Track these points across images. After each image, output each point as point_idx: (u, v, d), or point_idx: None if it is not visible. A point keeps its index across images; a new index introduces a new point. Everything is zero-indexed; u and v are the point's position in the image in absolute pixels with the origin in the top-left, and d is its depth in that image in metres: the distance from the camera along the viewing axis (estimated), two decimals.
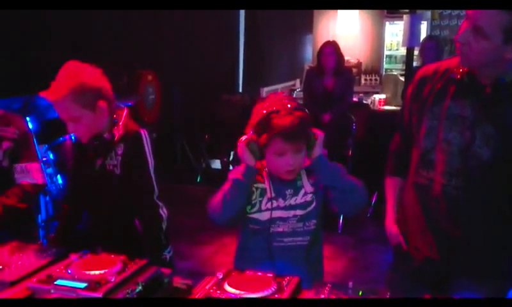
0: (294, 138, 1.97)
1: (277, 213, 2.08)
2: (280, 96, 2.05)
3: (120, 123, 2.29)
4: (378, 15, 9.24)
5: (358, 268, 4.43)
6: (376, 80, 9.09)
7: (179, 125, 6.37)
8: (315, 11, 9.08)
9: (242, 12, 7.50)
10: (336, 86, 5.23)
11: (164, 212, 2.30)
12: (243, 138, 2.03)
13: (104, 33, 5.02)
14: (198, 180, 6.58)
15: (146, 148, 2.27)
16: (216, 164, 7.05)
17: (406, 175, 2.19)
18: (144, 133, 2.28)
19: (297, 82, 8.46)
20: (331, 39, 5.63)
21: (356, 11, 9.05)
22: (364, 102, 6.71)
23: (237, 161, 6.61)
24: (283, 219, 2.08)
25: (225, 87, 7.25)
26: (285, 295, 1.67)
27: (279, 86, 8.04)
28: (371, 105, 6.65)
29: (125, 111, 2.33)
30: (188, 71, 6.45)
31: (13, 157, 2.47)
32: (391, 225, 2.26)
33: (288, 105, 1.98)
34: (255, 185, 2.09)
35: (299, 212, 2.09)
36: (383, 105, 6.77)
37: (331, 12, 8.97)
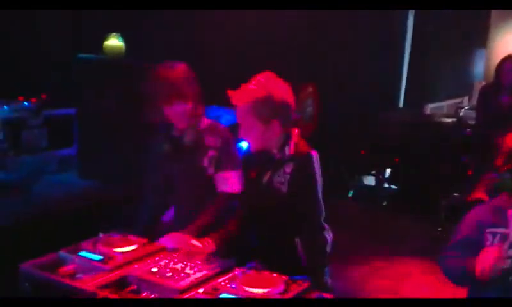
0: None
1: None
2: None
3: (291, 142, 2.26)
4: None
5: None
6: None
7: (334, 138, 6.26)
8: (493, 24, 8.34)
9: (410, 21, 7.18)
10: None
11: (329, 235, 2.22)
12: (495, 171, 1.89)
13: (264, 46, 5.11)
14: (351, 195, 6.41)
15: (316, 169, 2.22)
16: (369, 181, 6.82)
17: None
18: (315, 155, 2.24)
19: (465, 99, 7.82)
20: None
21: None
22: None
23: (392, 179, 6.38)
24: None
25: (386, 101, 6.97)
26: None
27: (444, 103, 7.50)
28: None
29: (296, 130, 2.30)
30: (346, 83, 6.32)
31: (217, 165, 2.51)
32: None
33: None
34: (490, 230, 1.95)
35: None
36: None
37: (510, 25, 8.17)
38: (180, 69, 2.49)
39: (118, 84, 3.88)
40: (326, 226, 2.23)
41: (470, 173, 4.90)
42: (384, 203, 6.28)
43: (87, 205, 3.49)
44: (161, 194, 2.63)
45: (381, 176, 6.52)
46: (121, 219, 2.49)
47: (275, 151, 2.26)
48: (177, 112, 2.48)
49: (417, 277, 4.36)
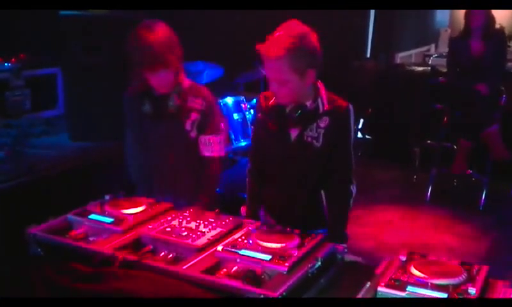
0: None
1: None
2: None
3: (323, 94, 2.18)
4: None
5: (503, 250, 4.15)
6: None
7: None
8: None
9: None
10: (486, 51, 4.76)
11: (354, 189, 2.24)
12: None
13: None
14: None
15: (351, 123, 2.20)
16: None
17: None
18: (351, 108, 2.19)
19: (432, 47, 7.94)
20: None
21: None
22: None
23: (366, 130, 6.46)
24: None
25: (353, 50, 6.96)
26: (477, 285, 1.56)
27: (412, 52, 7.58)
28: None
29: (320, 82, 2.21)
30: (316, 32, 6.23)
31: (200, 128, 2.50)
32: None
33: None
34: None
35: None
36: None
37: None
38: (161, 33, 2.34)
39: (105, 38, 3.76)
40: (353, 180, 2.24)
41: (445, 121, 5.00)
42: (359, 153, 6.40)
43: (82, 166, 3.44)
44: (139, 153, 2.60)
45: (354, 126, 6.59)
46: (117, 179, 2.47)
47: (307, 103, 2.15)
48: (160, 79, 2.41)
49: (397, 224, 4.51)
